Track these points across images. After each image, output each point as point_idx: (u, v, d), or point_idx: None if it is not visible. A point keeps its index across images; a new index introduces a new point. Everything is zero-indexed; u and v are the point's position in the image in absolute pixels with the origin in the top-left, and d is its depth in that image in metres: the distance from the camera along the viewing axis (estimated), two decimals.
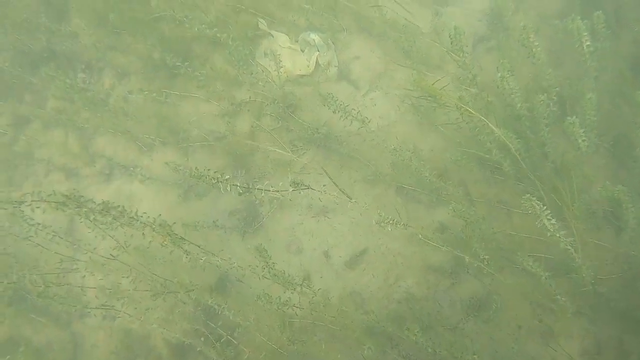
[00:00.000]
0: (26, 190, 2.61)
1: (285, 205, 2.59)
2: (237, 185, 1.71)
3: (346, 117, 2.20)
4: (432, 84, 1.98)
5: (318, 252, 2.58)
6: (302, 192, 1.78)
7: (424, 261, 2.52)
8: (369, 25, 2.68)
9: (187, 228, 2.46)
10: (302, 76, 2.61)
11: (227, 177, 1.70)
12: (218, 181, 1.70)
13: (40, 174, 2.61)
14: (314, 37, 2.59)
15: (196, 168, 1.71)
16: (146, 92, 2.58)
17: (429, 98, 2.03)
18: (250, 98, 2.61)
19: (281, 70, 2.46)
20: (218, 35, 2.33)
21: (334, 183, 1.96)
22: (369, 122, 2.26)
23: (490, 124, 1.91)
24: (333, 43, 2.66)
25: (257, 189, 1.72)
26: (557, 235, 1.75)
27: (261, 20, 2.62)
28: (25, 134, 2.59)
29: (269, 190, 1.70)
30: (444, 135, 2.60)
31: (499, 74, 1.96)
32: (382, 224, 1.90)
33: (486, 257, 2.15)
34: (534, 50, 1.96)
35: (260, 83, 2.57)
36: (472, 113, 1.84)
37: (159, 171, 2.61)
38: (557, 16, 2.70)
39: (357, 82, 2.66)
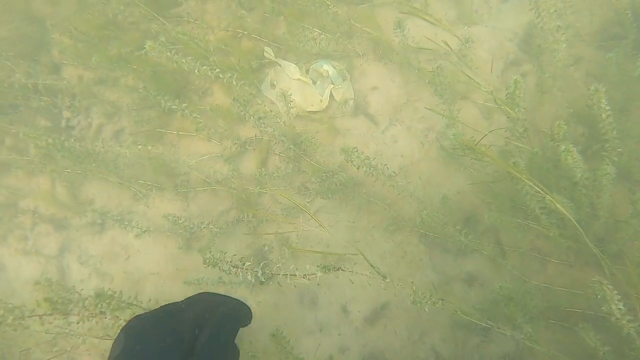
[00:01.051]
0: (11, 244, 2.36)
1: (297, 256, 2.35)
2: (258, 273, 1.46)
3: (371, 173, 1.94)
4: (476, 142, 1.70)
5: (335, 307, 2.36)
6: (332, 274, 1.52)
7: (450, 316, 2.30)
8: (389, 51, 2.38)
9: (189, 287, 2.22)
10: (314, 112, 2.32)
11: (248, 263, 1.45)
12: (237, 268, 1.45)
13: (27, 226, 2.35)
14: (327, 67, 2.29)
15: (210, 253, 1.46)
16: (139, 133, 2.31)
17: (469, 154, 1.76)
18: (256, 136, 2.33)
19: (291, 105, 2.17)
20: (221, 75, 2.04)
21: (367, 261, 1.70)
22: (396, 175, 1.99)
23: (547, 194, 1.63)
24: (348, 73, 2.36)
25: (282, 274, 1.47)
26: (623, 321, 1.51)
27: (267, 48, 2.32)
28: (6, 182, 2.32)
29: (295, 275, 1.45)
30: (472, 174, 2.33)
31: (555, 143, 1.69)
32: (419, 304, 1.66)
33: (520, 319, 1.92)
34: (593, 99, 1.67)
35: (267, 119, 2.29)
36: (524, 181, 1.57)
37: (156, 219, 2.35)
38: (605, 38, 2.41)
39: (375, 117, 2.38)
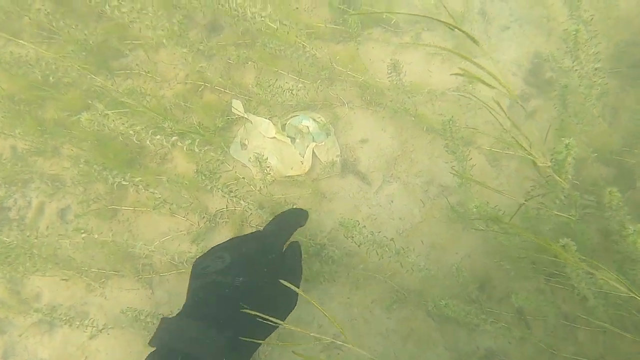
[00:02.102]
0: None
1: (284, 352, 2.00)
2: None
3: (375, 251, 1.59)
4: (503, 213, 1.38)
5: None
6: None
7: None
8: (378, 96, 2.03)
9: None
10: (295, 176, 1.97)
11: None
12: None
13: None
14: (307, 122, 1.94)
15: None
16: (87, 213, 1.94)
17: (493, 227, 1.43)
18: (227, 207, 1.97)
19: (266, 170, 1.82)
20: (179, 143, 1.68)
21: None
22: (404, 251, 1.64)
23: (598, 272, 1.31)
24: (332, 126, 2.01)
25: None
26: None
27: (234, 101, 1.96)
28: None
29: None
30: (484, 234, 2.01)
31: (609, 213, 1.36)
32: None
33: None
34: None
35: (239, 188, 1.93)
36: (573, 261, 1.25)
37: (115, 312, 1.98)
38: (622, 63, 2.10)
39: (367, 175, 2.03)
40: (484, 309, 1.95)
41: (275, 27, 1.59)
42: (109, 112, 1.60)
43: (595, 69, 1.53)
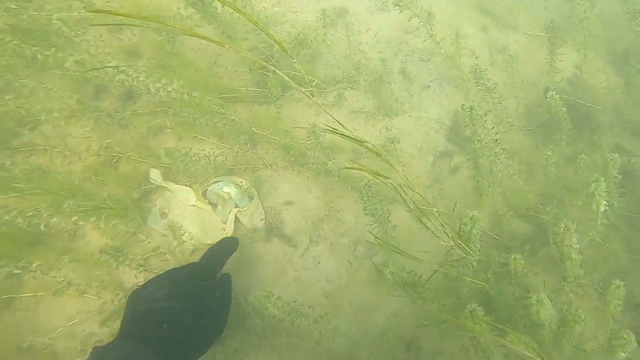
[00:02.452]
0: None
1: None
2: None
3: (291, 320, 1.54)
4: (418, 278, 1.36)
5: None
6: None
7: None
8: (301, 157, 2.03)
9: None
10: None
11: None
12: None
13: None
14: (228, 188, 1.90)
15: None
16: None
17: (410, 292, 1.43)
18: (144, 280, 1.88)
19: (182, 239, 1.76)
20: (81, 222, 1.60)
21: None
22: (322, 318, 1.60)
23: (506, 336, 1.31)
24: (256, 189, 1.98)
25: None
26: None
27: (152, 170, 1.90)
28: None
29: None
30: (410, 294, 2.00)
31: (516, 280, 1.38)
32: None
33: None
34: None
35: (155, 260, 1.85)
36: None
37: None
38: (532, 123, 2.20)
39: (292, 237, 2.00)
40: None
41: (184, 100, 1.57)
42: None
43: (495, 140, 1.58)
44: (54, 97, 1.47)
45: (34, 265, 1.56)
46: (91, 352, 1.20)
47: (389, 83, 2.20)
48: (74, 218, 1.52)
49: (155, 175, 1.88)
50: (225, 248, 1.68)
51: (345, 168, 1.14)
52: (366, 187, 1.50)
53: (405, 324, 1.96)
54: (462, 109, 1.44)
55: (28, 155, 1.83)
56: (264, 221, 1.96)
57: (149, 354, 1.20)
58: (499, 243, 2.02)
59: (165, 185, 1.89)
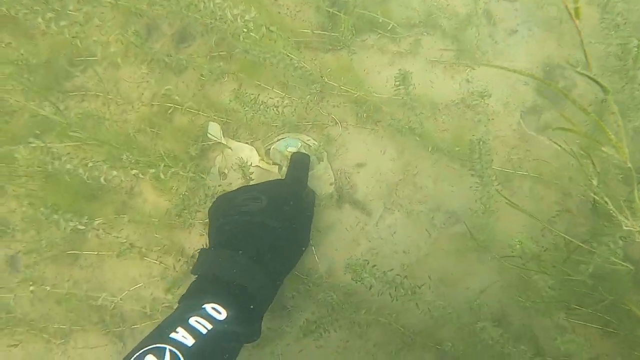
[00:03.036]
0: None
1: None
2: None
3: (387, 292, 1.35)
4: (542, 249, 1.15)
5: None
6: None
7: None
8: (375, 112, 1.79)
9: None
10: None
11: None
12: None
13: None
14: (294, 148, 1.68)
15: None
16: (40, 261, 1.65)
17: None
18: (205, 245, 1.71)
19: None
20: (141, 175, 1.41)
21: None
22: (419, 288, 1.40)
23: None
24: (325, 149, 1.75)
25: None
26: None
27: (211, 124, 1.68)
28: None
29: None
30: (500, 265, 1.79)
31: None
32: None
33: None
34: None
35: None
36: None
37: None
38: None
39: (365, 204, 1.79)
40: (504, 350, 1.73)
41: (260, 34, 1.32)
42: (55, 145, 1.32)
43: None
44: (108, 30, 1.25)
45: (97, 222, 1.40)
46: (199, 253, 1.26)
47: (471, 27, 1.90)
48: (134, 171, 1.33)
49: (214, 129, 1.66)
50: (302, 162, 1.60)
51: (557, 128, 0.87)
52: (480, 142, 1.25)
53: (493, 300, 1.76)
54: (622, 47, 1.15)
55: (80, 101, 1.64)
56: (333, 185, 1.75)
57: (254, 266, 1.19)
58: None
59: (224, 142, 1.67)
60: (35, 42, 1.55)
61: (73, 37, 1.20)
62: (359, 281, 1.31)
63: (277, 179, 1.59)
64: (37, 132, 1.56)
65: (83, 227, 1.43)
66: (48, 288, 1.49)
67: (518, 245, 1.16)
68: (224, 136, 1.70)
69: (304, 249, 1.50)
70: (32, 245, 1.60)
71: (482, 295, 1.79)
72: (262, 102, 1.51)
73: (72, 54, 1.59)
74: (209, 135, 1.68)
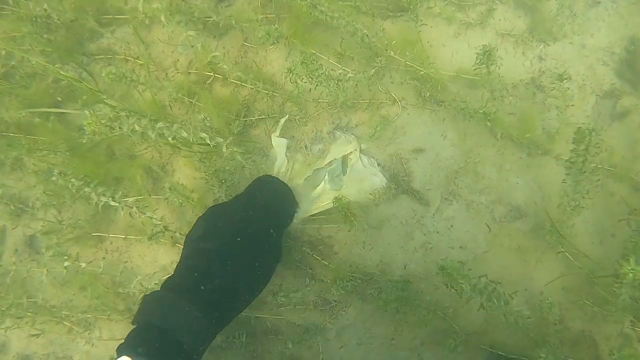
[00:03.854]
0: None
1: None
2: None
3: (479, 302, 1.20)
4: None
5: None
6: None
7: None
8: (439, 90, 1.57)
9: None
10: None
11: None
12: None
13: None
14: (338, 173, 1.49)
15: None
16: (62, 243, 1.49)
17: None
18: None
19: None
20: (180, 147, 1.22)
21: None
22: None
23: None
24: (378, 134, 1.54)
25: None
26: None
27: (277, 138, 1.48)
28: None
29: None
30: (565, 260, 1.63)
31: None
32: None
33: None
34: None
35: None
36: None
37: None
38: None
39: (422, 193, 1.61)
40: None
41: None
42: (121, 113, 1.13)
43: None
44: None
45: (131, 200, 1.22)
46: (142, 299, 1.16)
47: None
48: (171, 141, 1.14)
49: (279, 143, 1.46)
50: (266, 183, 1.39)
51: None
52: (592, 133, 1.06)
53: (555, 297, 1.61)
54: None
55: (106, 65, 1.43)
56: (378, 178, 1.56)
57: (193, 307, 1.10)
58: None
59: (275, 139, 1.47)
60: None
61: None
62: (452, 287, 1.15)
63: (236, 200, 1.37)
64: (59, 99, 1.36)
65: (116, 204, 1.25)
66: (83, 265, 1.33)
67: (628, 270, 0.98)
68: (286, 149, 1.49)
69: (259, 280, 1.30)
70: (54, 226, 1.43)
71: (540, 296, 1.65)
72: (323, 73, 1.28)
73: (99, 11, 1.36)
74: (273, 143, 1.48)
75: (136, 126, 1.13)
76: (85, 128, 1.07)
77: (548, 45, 1.73)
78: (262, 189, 1.38)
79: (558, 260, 1.62)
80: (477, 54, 1.27)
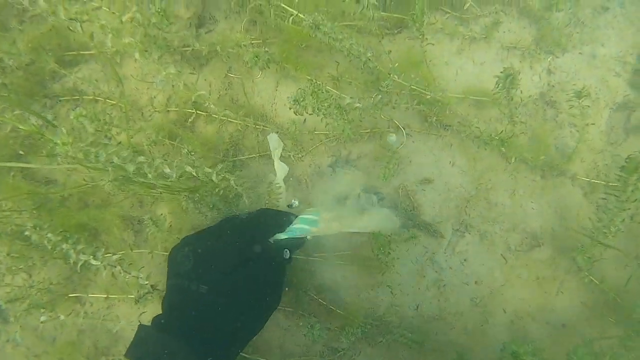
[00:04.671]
0: None
1: None
2: None
3: None
4: None
5: None
6: None
7: None
8: (446, 114, 1.44)
9: None
10: None
11: None
12: None
13: None
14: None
15: None
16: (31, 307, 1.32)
17: None
18: None
19: None
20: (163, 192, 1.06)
21: None
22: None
23: None
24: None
25: None
26: None
27: (273, 134, 1.31)
28: None
29: None
30: (587, 289, 1.51)
31: None
32: None
33: None
34: None
35: None
36: None
37: None
38: None
39: (434, 226, 1.48)
40: None
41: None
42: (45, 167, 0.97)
43: None
44: (103, 15, 0.87)
45: (115, 257, 1.06)
46: (137, 330, 1.05)
47: (556, 4, 1.54)
48: (160, 192, 0.98)
49: (274, 141, 1.28)
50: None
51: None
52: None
53: (575, 337, 1.51)
54: None
55: (73, 108, 1.25)
56: (390, 218, 1.42)
57: (185, 348, 1.01)
58: None
59: (276, 160, 1.31)
60: (11, 36, 1.13)
61: (70, 20, 0.82)
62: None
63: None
64: (21, 152, 1.18)
65: (97, 263, 1.09)
66: (62, 317, 1.17)
67: None
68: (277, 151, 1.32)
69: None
70: (20, 292, 1.26)
71: (562, 330, 1.54)
72: (333, 103, 1.12)
73: (61, 47, 1.18)
74: (271, 144, 1.31)
75: (115, 157, 0.96)
76: (57, 148, 0.91)
77: (557, 57, 1.60)
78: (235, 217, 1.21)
79: (579, 289, 1.51)
80: (498, 77, 1.13)
